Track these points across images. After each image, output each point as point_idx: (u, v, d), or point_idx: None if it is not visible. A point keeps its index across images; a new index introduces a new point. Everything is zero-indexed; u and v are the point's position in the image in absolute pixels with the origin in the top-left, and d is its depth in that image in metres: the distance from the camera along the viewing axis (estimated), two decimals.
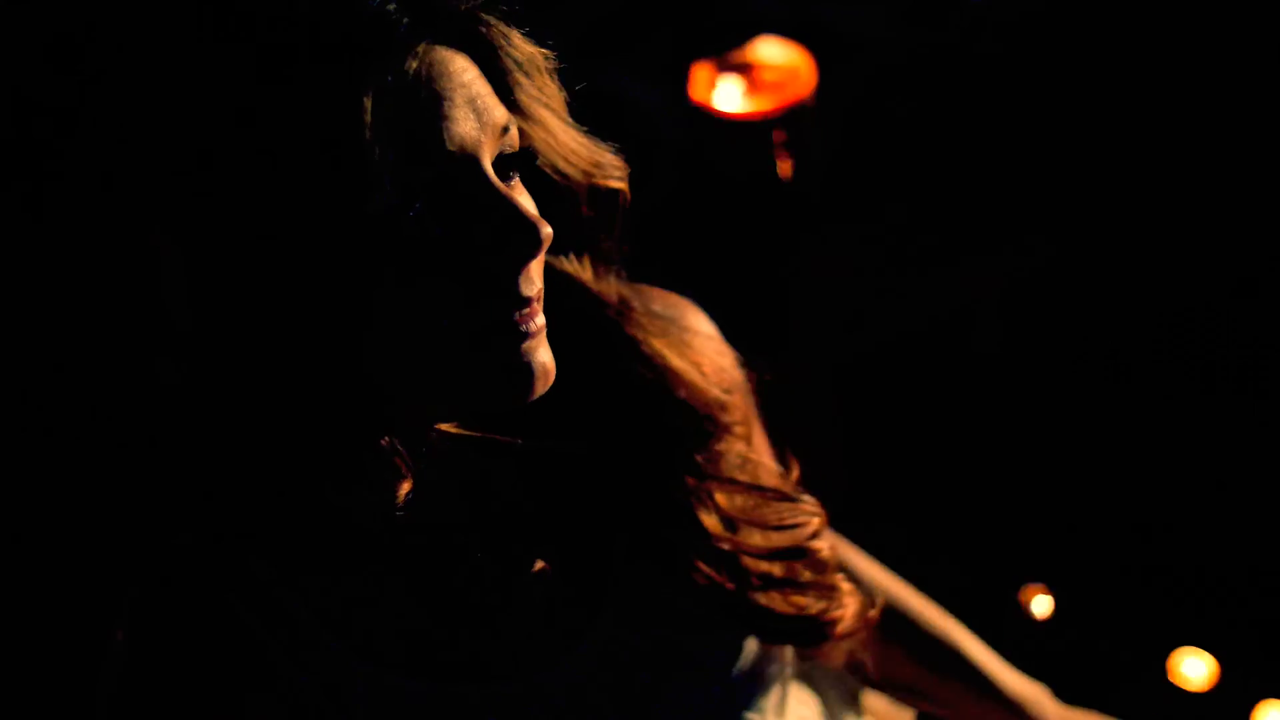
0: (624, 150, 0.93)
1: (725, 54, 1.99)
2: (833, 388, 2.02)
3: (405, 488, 0.85)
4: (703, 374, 0.97)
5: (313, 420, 0.82)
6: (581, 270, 0.96)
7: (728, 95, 1.99)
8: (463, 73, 0.80)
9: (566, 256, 0.95)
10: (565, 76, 0.89)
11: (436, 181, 0.78)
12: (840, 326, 2.07)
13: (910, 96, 2.16)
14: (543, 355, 0.82)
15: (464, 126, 0.79)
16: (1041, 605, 1.99)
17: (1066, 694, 1.21)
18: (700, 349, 0.99)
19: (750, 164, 1.96)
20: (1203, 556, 2.00)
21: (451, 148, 0.78)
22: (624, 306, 0.96)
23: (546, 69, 0.89)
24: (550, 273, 0.90)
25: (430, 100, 0.78)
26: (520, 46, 0.87)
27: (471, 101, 0.80)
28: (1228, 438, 2.07)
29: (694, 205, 1.98)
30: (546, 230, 0.80)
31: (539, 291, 0.82)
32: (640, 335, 0.96)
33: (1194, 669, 1.92)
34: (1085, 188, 2.19)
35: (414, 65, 0.77)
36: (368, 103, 0.74)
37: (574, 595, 0.91)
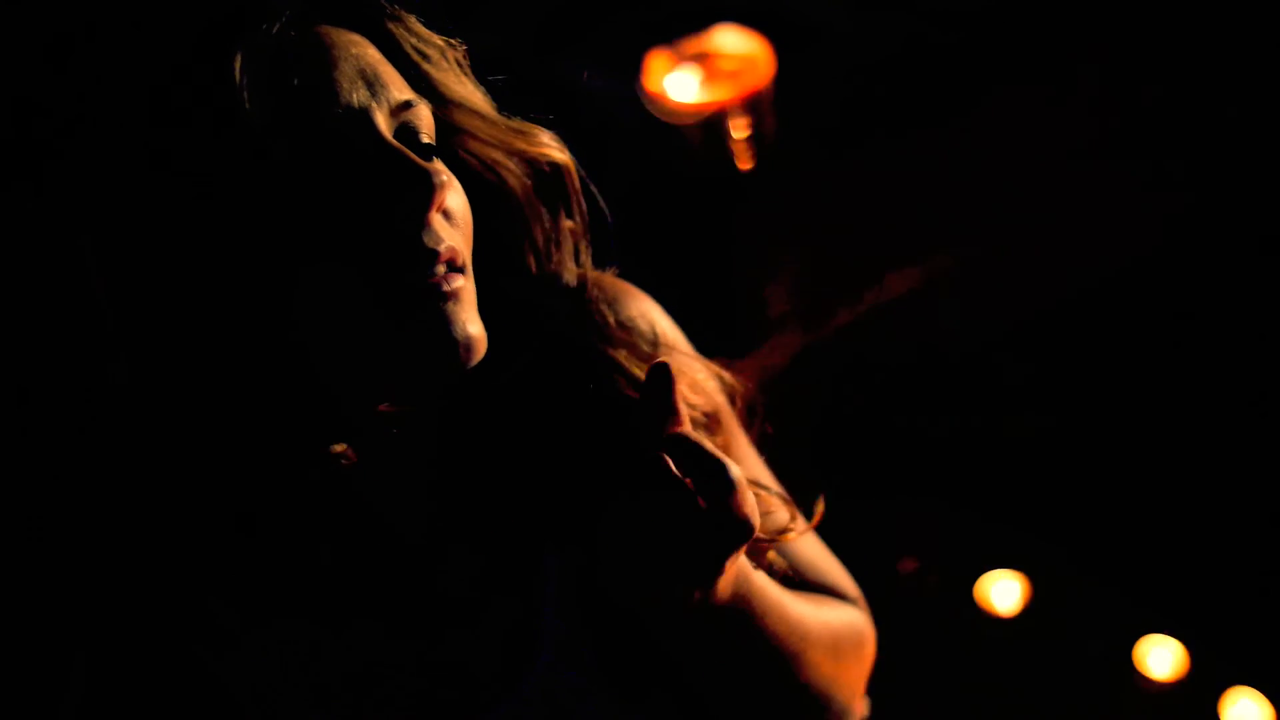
0: (580, 140, 0.91)
1: (681, 43, 1.96)
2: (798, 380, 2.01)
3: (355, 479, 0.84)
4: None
5: (258, 412, 0.81)
6: (545, 269, 0.93)
7: (683, 86, 1.96)
8: (352, 46, 0.80)
9: (525, 255, 0.92)
10: (519, 66, 0.87)
11: (327, 142, 0.77)
12: (801, 318, 2.05)
13: (874, 84, 2.15)
14: (466, 323, 0.80)
15: (352, 92, 0.78)
16: (1010, 594, 1.99)
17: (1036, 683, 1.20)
18: (681, 368, 0.95)
19: (707, 155, 1.94)
20: (1172, 544, 2.01)
21: (338, 109, 0.77)
22: (592, 317, 0.94)
23: (457, 58, 0.88)
24: (514, 275, 0.90)
25: (317, 66, 0.78)
26: (425, 35, 0.86)
27: (361, 72, 0.79)
28: (1201, 428, 2.06)
29: (652, 196, 1.96)
30: (441, 177, 0.78)
31: (450, 249, 0.79)
32: (611, 352, 0.93)
33: (1162, 657, 1.93)
34: (1054, 176, 2.18)
35: (299, 35, 0.77)
36: (238, 64, 0.74)
37: (514, 630, 0.89)
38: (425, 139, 0.82)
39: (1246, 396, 2.05)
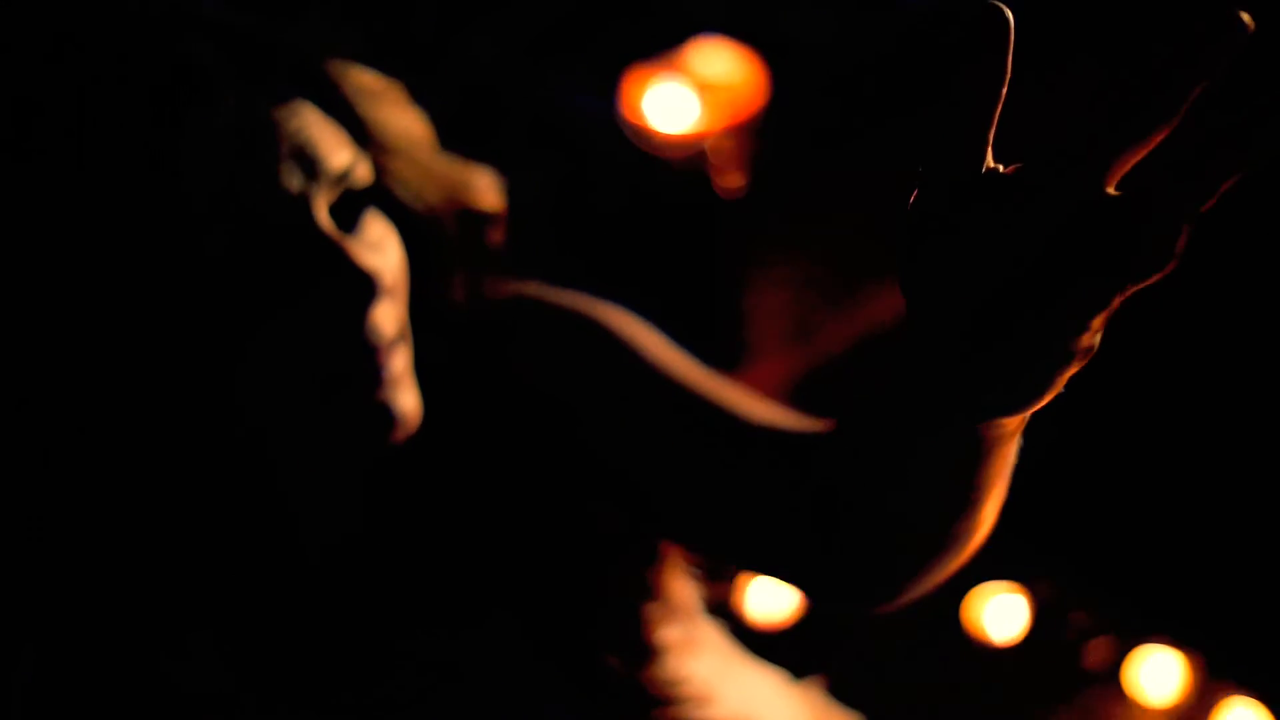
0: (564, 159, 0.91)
1: (664, 64, 1.93)
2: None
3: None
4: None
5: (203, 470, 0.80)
6: (465, 290, 0.92)
7: (666, 111, 1.91)
8: (290, 119, 0.78)
9: (451, 280, 0.91)
10: (504, 88, 0.87)
11: (267, 232, 0.76)
12: (788, 340, 2.04)
13: (861, 104, 2.13)
14: (401, 401, 0.79)
15: (290, 178, 0.76)
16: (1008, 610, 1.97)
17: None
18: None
19: (690, 182, 1.91)
20: (1170, 551, 1.98)
21: (278, 198, 0.76)
22: (515, 339, 0.92)
23: (400, 99, 0.87)
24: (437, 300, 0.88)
25: (253, 152, 0.76)
26: (365, 82, 0.85)
27: (300, 151, 0.77)
28: (1192, 430, 2.05)
29: (637, 220, 1.94)
30: (387, 279, 0.78)
31: (391, 337, 0.79)
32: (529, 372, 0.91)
33: (1161, 666, 1.91)
34: None
35: (236, 116, 0.75)
36: (184, 150, 0.73)
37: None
38: (364, 196, 0.81)
39: (1243, 404, 2.04)
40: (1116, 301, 0.56)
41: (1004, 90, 0.56)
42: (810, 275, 2.07)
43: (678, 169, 1.92)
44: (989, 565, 1.99)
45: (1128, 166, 0.56)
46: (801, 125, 2.03)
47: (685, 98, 1.91)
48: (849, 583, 0.84)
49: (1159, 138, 0.55)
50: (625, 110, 1.92)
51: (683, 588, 0.96)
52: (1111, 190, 0.56)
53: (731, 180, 1.91)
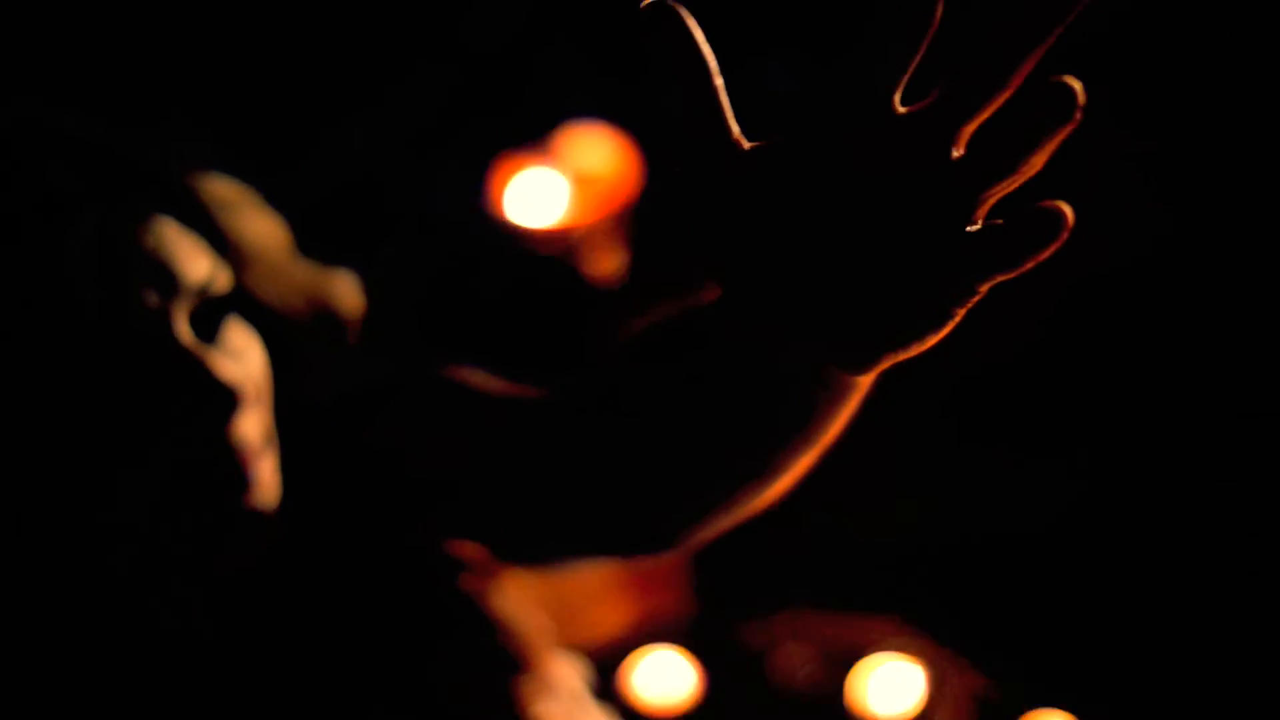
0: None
1: (536, 153, 1.93)
2: None
3: None
4: None
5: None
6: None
7: (537, 202, 1.90)
8: (146, 235, 0.79)
9: (314, 379, 0.93)
10: (377, 180, 0.90)
11: (128, 346, 0.76)
12: None
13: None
14: (267, 507, 0.80)
15: (149, 292, 0.77)
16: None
17: None
18: None
19: (561, 272, 1.90)
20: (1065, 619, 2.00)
21: (137, 313, 0.77)
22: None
23: (257, 206, 0.89)
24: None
25: (112, 267, 0.77)
26: (221, 191, 0.86)
27: (157, 265, 0.78)
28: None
29: (508, 312, 1.93)
30: (250, 388, 0.79)
31: (256, 445, 0.80)
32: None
33: None
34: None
35: (91, 233, 0.76)
36: (39, 270, 0.74)
37: None
38: (226, 303, 0.82)
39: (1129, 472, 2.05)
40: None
41: (705, 64, 0.58)
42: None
43: (548, 260, 1.92)
44: (883, 639, 1.99)
45: (968, 131, 0.57)
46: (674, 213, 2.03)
47: (556, 187, 1.91)
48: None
49: (988, 103, 0.57)
50: (495, 201, 1.91)
51: (565, 669, 0.97)
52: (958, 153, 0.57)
53: (604, 269, 1.91)
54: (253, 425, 0.80)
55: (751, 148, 0.60)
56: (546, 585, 1.09)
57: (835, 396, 0.69)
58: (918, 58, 0.57)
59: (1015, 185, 0.57)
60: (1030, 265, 0.57)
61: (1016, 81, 0.56)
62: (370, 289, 0.97)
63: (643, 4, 0.57)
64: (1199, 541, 1.98)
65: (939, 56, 0.57)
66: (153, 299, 0.77)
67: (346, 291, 0.94)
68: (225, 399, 0.77)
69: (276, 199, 0.95)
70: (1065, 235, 0.56)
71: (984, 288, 0.59)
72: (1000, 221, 0.58)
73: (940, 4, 0.56)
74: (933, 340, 0.60)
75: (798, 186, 0.59)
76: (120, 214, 0.79)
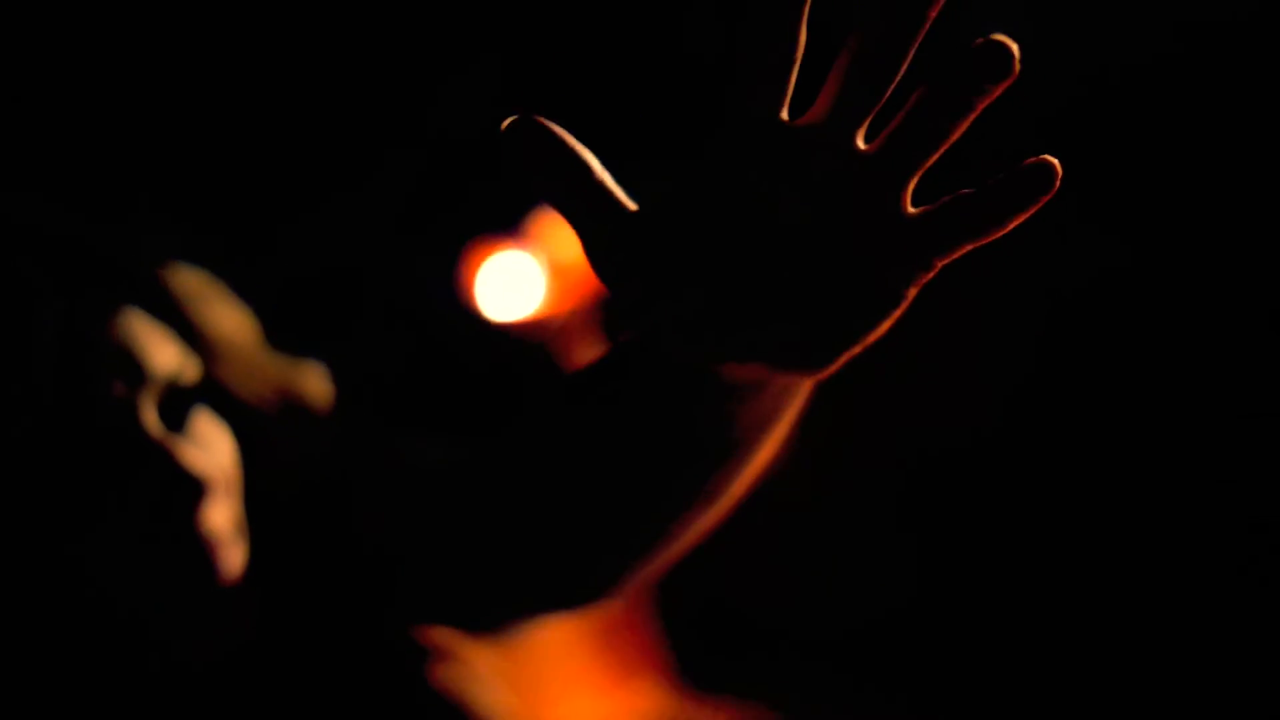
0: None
1: (510, 238, 1.92)
2: None
3: None
4: None
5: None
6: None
7: (510, 290, 1.90)
8: (113, 327, 0.79)
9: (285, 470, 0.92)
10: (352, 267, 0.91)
11: (96, 437, 0.77)
12: None
13: None
14: (238, 599, 0.81)
15: (115, 383, 0.78)
16: None
17: None
18: None
19: (535, 361, 1.89)
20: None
21: (104, 404, 0.77)
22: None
23: (224, 298, 0.90)
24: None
25: (79, 359, 0.77)
26: (187, 283, 0.87)
27: (124, 355, 0.79)
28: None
29: (480, 401, 1.91)
30: (218, 478, 0.79)
31: (226, 536, 0.80)
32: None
33: None
34: None
35: (58, 325, 0.77)
36: (5, 363, 0.74)
37: None
38: (194, 394, 0.82)
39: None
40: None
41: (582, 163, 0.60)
42: None
43: (523, 350, 1.90)
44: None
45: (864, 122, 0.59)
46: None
47: (531, 274, 1.90)
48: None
49: (882, 88, 0.58)
50: (469, 289, 1.90)
51: None
52: (861, 144, 0.59)
53: (579, 359, 1.90)
54: (222, 515, 0.80)
55: (654, 198, 0.61)
56: (517, 667, 1.08)
57: (776, 405, 0.69)
58: (794, 71, 0.58)
59: (933, 157, 0.58)
60: (1013, 224, 0.58)
61: (899, 70, 0.57)
62: (341, 380, 0.97)
63: (503, 127, 0.60)
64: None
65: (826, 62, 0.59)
66: (120, 389, 0.78)
67: (316, 384, 0.95)
68: (193, 489, 0.78)
69: (246, 288, 0.95)
70: (1055, 188, 0.57)
71: (941, 263, 0.60)
72: (965, 192, 0.59)
73: (804, 22, 0.57)
74: (887, 324, 0.61)
75: (716, 213, 0.60)
76: (86, 305, 0.79)
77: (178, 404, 0.81)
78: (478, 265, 1.94)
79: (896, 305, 0.60)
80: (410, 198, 1.92)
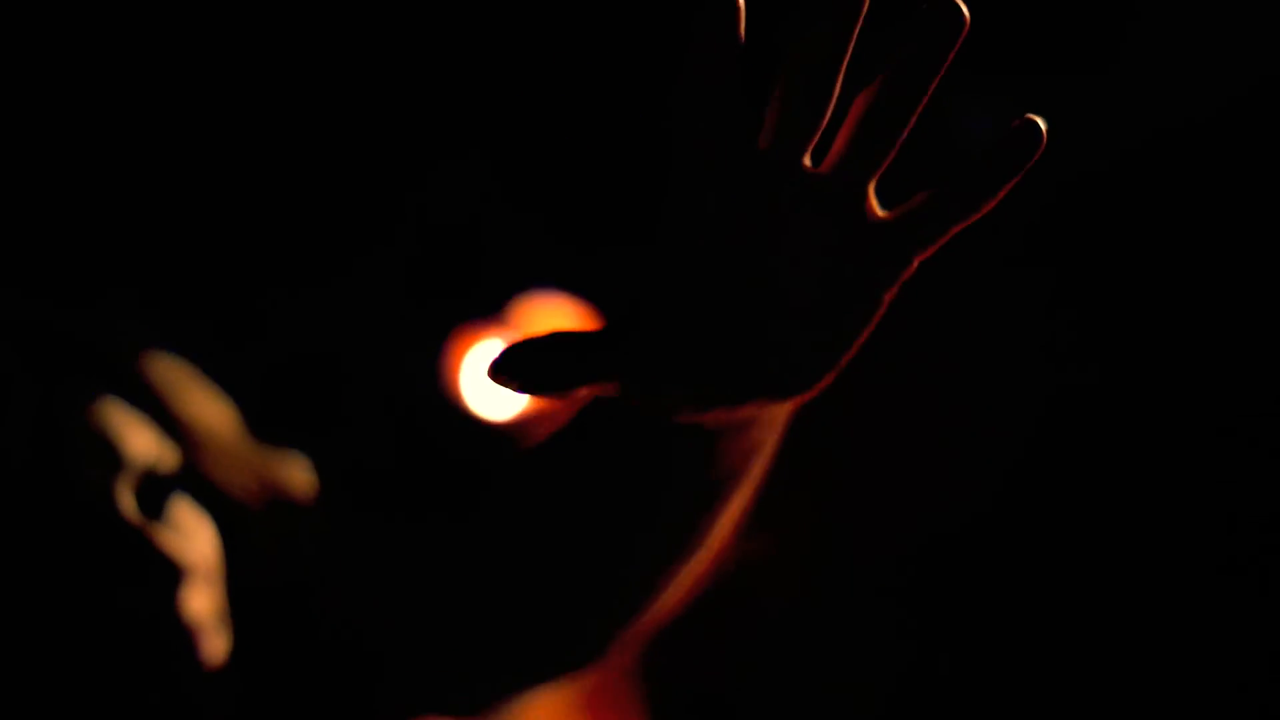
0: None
1: (496, 326, 1.91)
2: None
3: None
4: None
5: None
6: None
7: (494, 392, 1.88)
8: (90, 416, 0.80)
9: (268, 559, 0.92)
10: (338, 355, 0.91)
11: (74, 525, 0.77)
12: None
13: None
14: (219, 688, 0.80)
15: (93, 472, 0.78)
16: None
17: None
18: None
19: (519, 451, 1.86)
20: None
21: (81, 493, 0.77)
22: None
23: (201, 386, 0.90)
24: None
25: (56, 448, 0.77)
26: (164, 371, 0.87)
27: (101, 444, 0.79)
28: None
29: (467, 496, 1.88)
30: (199, 566, 0.80)
31: (206, 623, 0.80)
32: None
33: None
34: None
35: (36, 415, 0.77)
36: None
37: None
38: (174, 481, 0.82)
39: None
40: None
41: None
42: None
43: (509, 445, 1.89)
44: None
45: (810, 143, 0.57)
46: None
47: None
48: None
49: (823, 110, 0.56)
50: (454, 383, 1.89)
51: None
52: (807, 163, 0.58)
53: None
54: (202, 603, 0.80)
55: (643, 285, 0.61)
56: None
57: (760, 438, 0.67)
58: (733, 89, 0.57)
59: (893, 150, 0.57)
60: (1001, 195, 0.57)
61: (835, 82, 0.56)
62: (324, 471, 0.97)
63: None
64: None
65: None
66: (96, 477, 0.78)
67: (298, 474, 0.94)
68: (171, 575, 0.78)
69: (228, 376, 0.95)
70: (1042, 147, 0.56)
71: (921, 257, 0.59)
72: (927, 192, 0.58)
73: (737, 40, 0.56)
74: (868, 330, 0.60)
75: (695, 273, 0.59)
76: (63, 393, 0.79)
77: (156, 492, 0.81)
78: (463, 355, 1.93)
79: (875, 311, 0.60)
80: (396, 286, 1.91)
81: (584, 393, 0.62)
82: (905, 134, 0.57)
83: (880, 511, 1.99)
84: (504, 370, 0.60)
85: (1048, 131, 0.57)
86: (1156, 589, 1.96)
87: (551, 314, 1.94)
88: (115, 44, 1.72)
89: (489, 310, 1.93)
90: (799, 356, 0.60)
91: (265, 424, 0.96)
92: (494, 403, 1.90)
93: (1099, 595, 1.99)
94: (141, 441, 0.81)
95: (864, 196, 0.58)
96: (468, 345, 1.92)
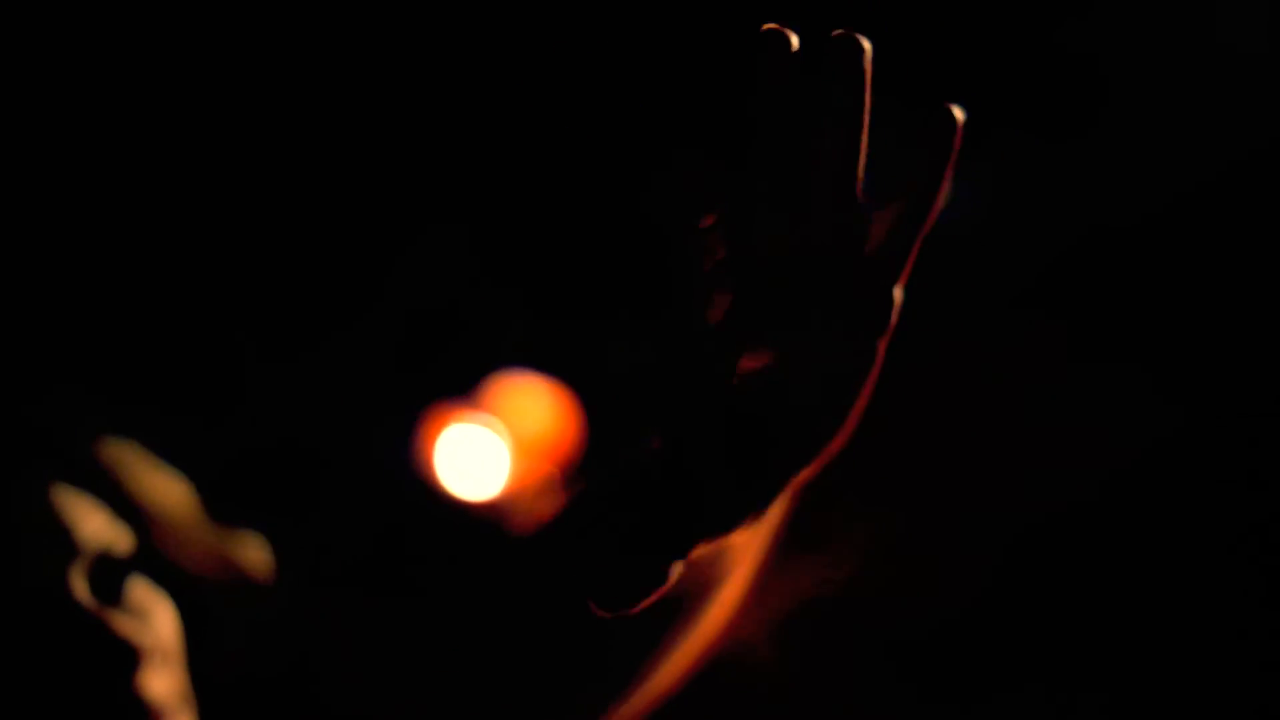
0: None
1: (470, 407, 1.88)
2: None
3: None
4: None
5: None
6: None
7: (471, 462, 1.85)
8: (42, 500, 0.80)
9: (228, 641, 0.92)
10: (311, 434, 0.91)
11: (27, 610, 0.78)
12: None
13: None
14: None
15: (45, 555, 0.79)
16: None
17: None
18: None
19: (495, 536, 1.83)
20: None
21: (34, 576, 0.78)
22: None
23: (156, 470, 0.90)
24: None
25: (6, 534, 0.79)
26: (118, 455, 0.88)
27: (55, 531, 0.79)
28: None
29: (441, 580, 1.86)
30: (156, 647, 0.80)
31: (164, 705, 0.80)
32: None
33: None
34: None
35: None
36: None
37: None
38: (129, 564, 0.82)
39: None
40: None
41: None
42: None
43: (483, 521, 1.86)
44: None
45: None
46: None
47: (492, 445, 1.86)
48: None
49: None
50: (429, 464, 1.87)
51: None
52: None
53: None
54: (161, 684, 0.81)
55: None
56: None
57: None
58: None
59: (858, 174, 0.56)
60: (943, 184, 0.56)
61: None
62: (293, 552, 0.97)
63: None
64: None
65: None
66: (50, 563, 0.79)
67: (255, 554, 0.95)
68: (129, 658, 0.78)
69: (193, 458, 0.95)
70: (960, 126, 0.55)
71: (899, 286, 0.57)
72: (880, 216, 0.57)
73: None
74: (869, 388, 0.58)
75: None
76: (16, 482, 0.81)
77: (112, 575, 0.82)
78: (439, 435, 1.91)
79: (873, 364, 0.58)
80: (370, 364, 1.90)
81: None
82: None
83: (878, 590, 1.97)
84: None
85: (960, 112, 0.56)
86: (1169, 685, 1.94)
87: (530, 397, 1.92)
88: (69, 130, 1.72)
89: (464, 389, 1.91)
90: (800, 440, 0.58)
91: (235, 504, 0.96)
92: (469, 483, 1.87)
93: (1107, 677, 1.97)
94: (93, 524, 0.82)
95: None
96: (443, 424, 1.89)
